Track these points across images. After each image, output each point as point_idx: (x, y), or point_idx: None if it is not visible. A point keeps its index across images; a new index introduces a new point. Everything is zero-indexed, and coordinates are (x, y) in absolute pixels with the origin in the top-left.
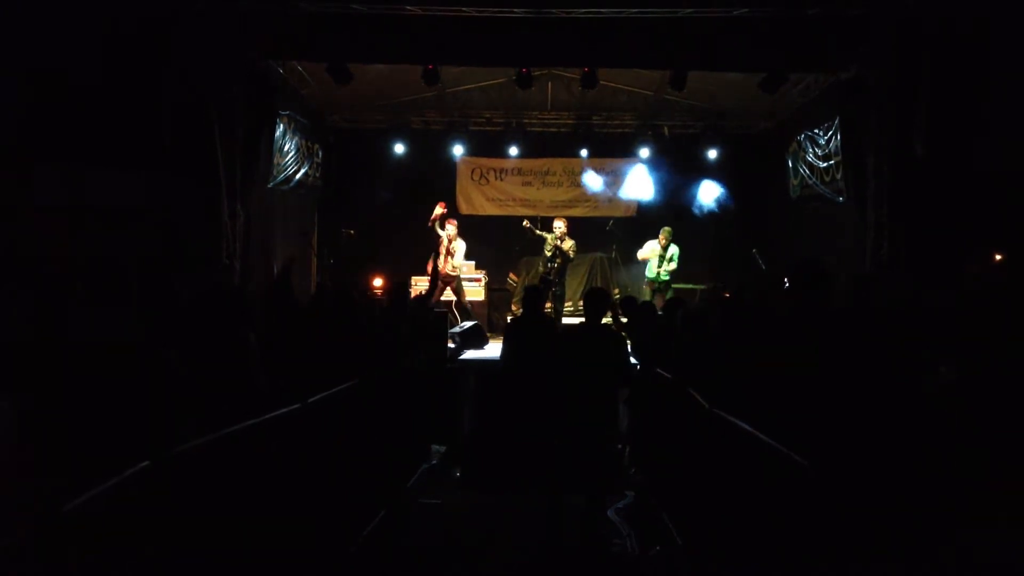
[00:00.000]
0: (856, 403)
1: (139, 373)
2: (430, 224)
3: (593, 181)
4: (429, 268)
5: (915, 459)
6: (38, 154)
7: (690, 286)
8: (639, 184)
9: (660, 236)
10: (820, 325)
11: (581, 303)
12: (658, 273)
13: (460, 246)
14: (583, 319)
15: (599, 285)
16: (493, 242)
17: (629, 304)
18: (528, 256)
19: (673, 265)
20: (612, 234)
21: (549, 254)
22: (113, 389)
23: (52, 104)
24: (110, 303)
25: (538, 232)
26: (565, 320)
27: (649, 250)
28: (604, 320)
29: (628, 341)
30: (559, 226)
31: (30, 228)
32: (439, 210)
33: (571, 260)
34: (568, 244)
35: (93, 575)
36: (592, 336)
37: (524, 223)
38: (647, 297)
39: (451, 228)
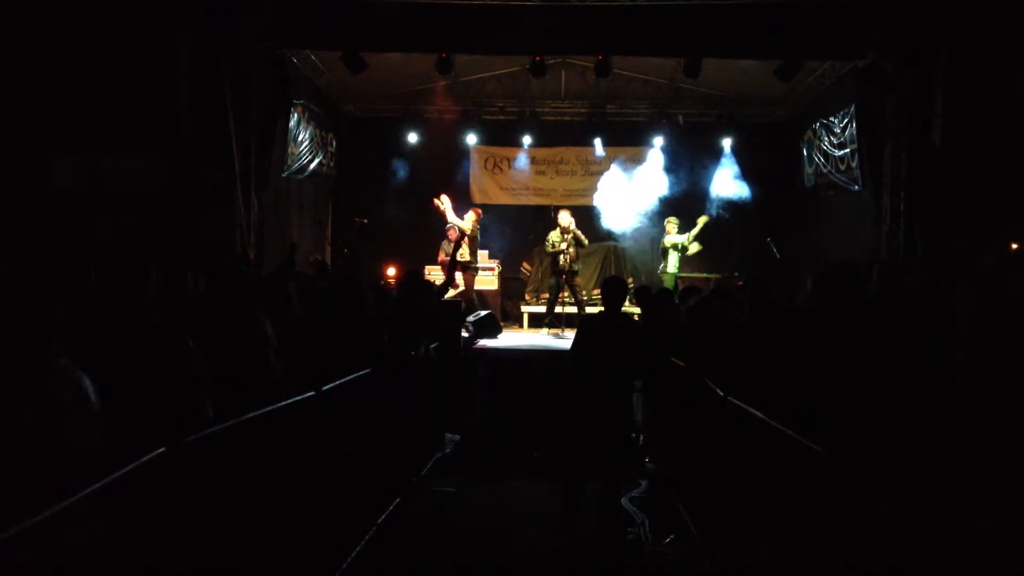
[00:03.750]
0: (869, 392)
1: (154, 360)
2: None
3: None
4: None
5: (926, 449)
6: (56, 142)
7: (704, 275)
8: (653, 172)
9: (667, 225)
10: (839, 319)
11: (596, 292)
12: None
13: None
14: (602, 308)
15: (614, 274)
16: (507, 231)
17: (643, 294)
18: (541, 246)
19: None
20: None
21: (564, 245)
22: (128, 376)
23: (69, 93)
24: (125, 291)
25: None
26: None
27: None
28: (624, 309)
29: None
30: (567, 217)
31: (47, 215)
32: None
33: (584, 247)
34: (579, 233)
35: (102, 564)
36: (613, 326)
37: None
38: (673, 271)
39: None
